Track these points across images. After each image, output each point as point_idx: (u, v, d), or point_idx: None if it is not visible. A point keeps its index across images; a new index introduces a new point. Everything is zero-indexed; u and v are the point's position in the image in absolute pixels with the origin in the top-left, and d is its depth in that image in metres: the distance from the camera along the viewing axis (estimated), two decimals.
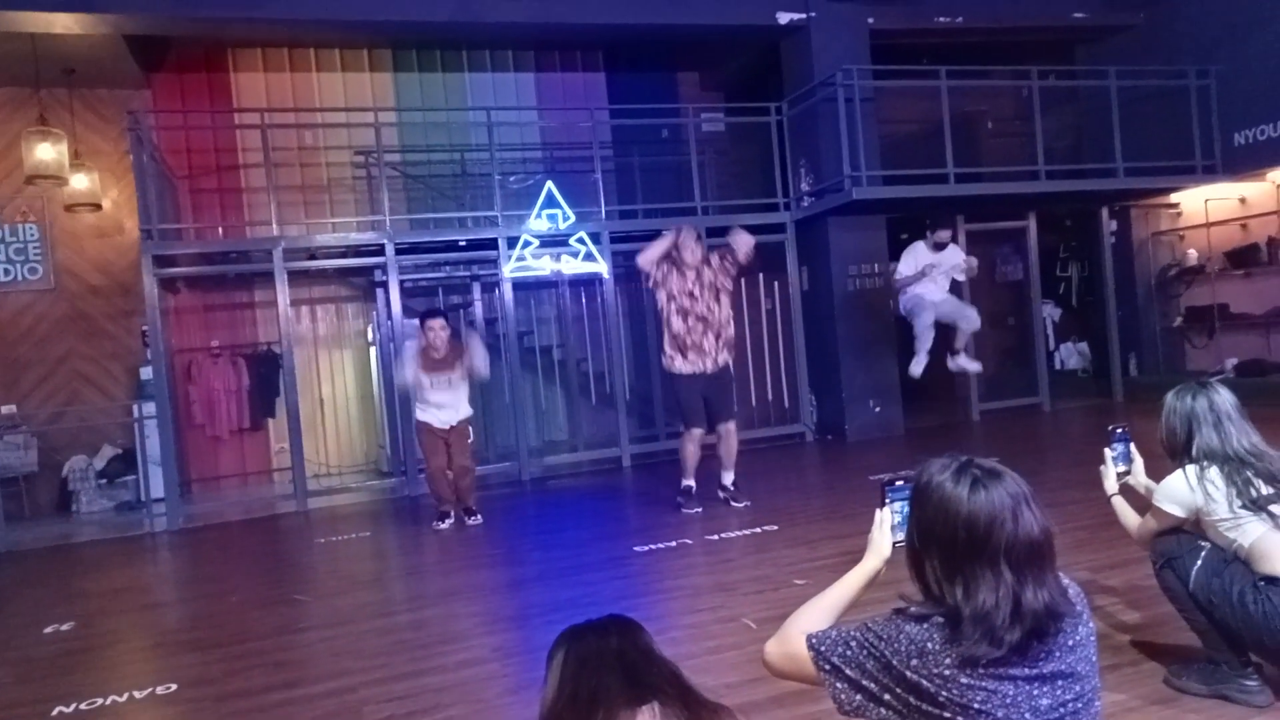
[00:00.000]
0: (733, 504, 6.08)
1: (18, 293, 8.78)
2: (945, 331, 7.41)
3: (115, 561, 6.42)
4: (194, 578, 5.94)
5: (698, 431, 5.96)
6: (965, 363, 7.44)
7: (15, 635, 4.48)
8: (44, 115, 8.21)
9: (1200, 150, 9.19)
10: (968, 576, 1.47)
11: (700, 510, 5.91)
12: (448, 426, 6.22)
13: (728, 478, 6.18)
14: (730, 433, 6.07)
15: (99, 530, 7.61)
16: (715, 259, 5.92)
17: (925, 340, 7.30)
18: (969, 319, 7.32)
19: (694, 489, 6.03)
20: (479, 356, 6.19)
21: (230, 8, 7.70)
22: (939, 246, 7.30)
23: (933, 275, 7.22)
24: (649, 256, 5.90)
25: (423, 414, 6.27)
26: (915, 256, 7.27)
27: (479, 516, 6.43)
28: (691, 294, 5.84)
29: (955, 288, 7.56)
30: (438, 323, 6.11)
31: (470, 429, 6.38)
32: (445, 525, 6.27)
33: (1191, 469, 2.56)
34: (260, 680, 3.50)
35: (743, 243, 5.84)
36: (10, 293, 8.76)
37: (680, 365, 5.90)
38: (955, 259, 7.40)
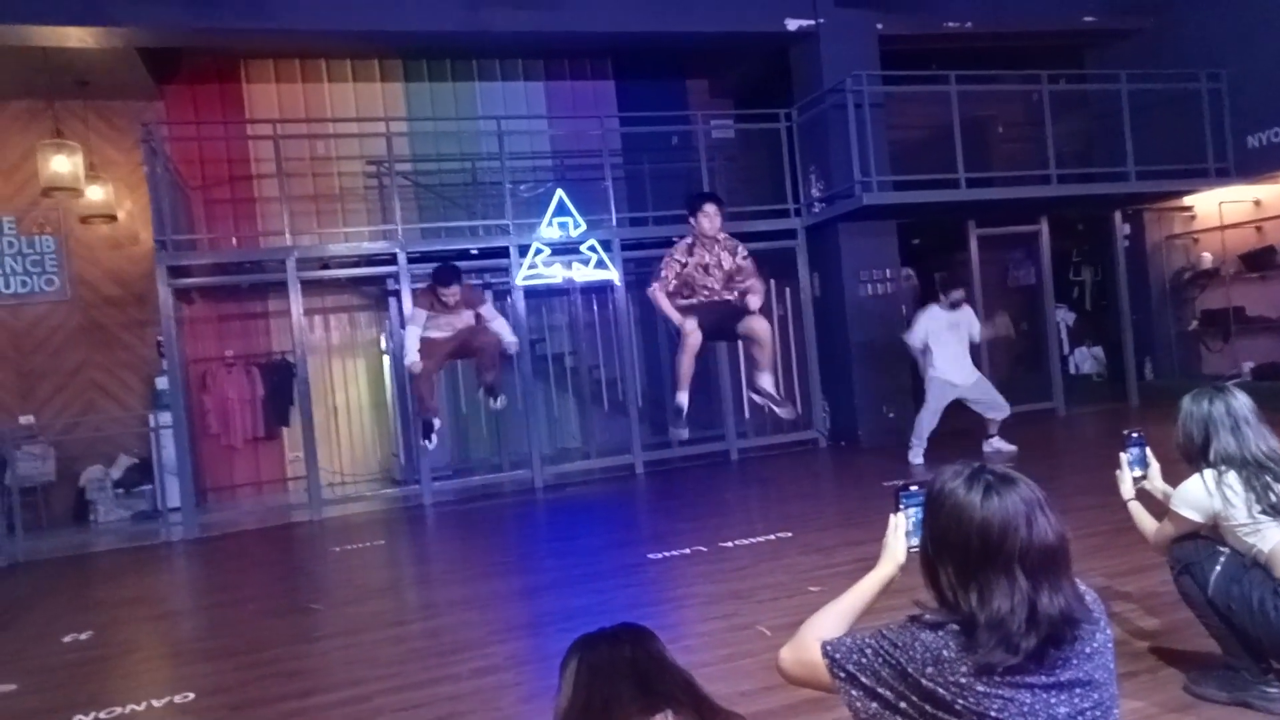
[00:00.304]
0: (776, 410, 5.73)
1: (34, 304, 8.85)
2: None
3: (132, 571, 6.45)
4: (210, 587, 5.96)
5: (692, 329, 5.35)
6: (1001, 445, 7.40)
7: (34, 644, 4.50)
8: (59, 128, 8.28)
9: (1213, 153, 9.15)
10: (982, 583, 1.46)
11: (686, 433, 5.72)
12: (452, 330, 6.26)
13: (765, 380, 5.64)
14: (757, 322, 5.44)
15: (116, 540, 7.66)
16: (735, 255, 5.53)
17: (929, 425, 7.33)
18: (999, 408, 7.35)
19: (685, 409, 5.59)
20: (505, 332, 6.38)
21: (242, 19, 7.75)
22: (954, 306, 7.30)
23: (946, 343, 7.21)
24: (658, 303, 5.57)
25: (427, 333, 6.32)
26: (929, 320, 7.28)
27: (499, 399, 6.56)
28: (705, 267, 5.49)
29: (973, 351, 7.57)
30: (452, 291, 6.14)
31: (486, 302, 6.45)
32: (432, 443, 6.35)
33: (1209, 474, 2.54)
34: (276, 689, 3.51)
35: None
36: (27, 304, 8.84)
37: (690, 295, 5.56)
38: (971, 316, 7.41)
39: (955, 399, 7.30)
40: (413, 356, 6.18)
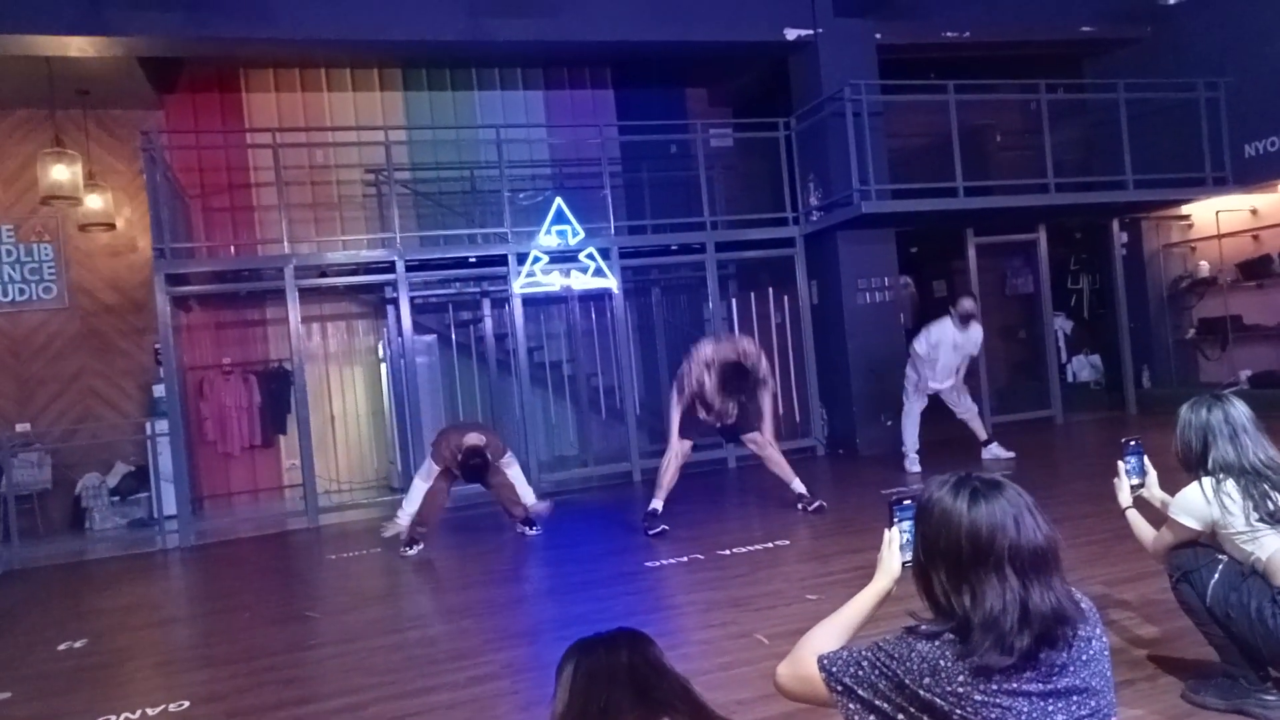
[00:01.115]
0: (808, 510, 5.99)
1: (32, 311, 8.85)
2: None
3: (128, 578, 6.44)
4: (206, 594, 5.94)
5: (687, 445, 5.88)
6: (999, 451, 7.43)
7: (29, 652, 4.49)
8: (59, 136, 8.28)
9: (1210, 162, 9.17)
10: (974, 584, 1.48)
11: (665, 530, 5.77)
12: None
13: (797, 486, 6.11)
14: (763, 444, 6.01)
15: (112, 547, 7.64)
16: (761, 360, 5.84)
17: (913, 430, 7.36)
18: (967, 408, 7.45)
19: (659, 511, 5.86)
20: (526, 493, 6.17)
21: (242, 28, 7.77)
22: (965, 320, 7.26)
23: (943, 358, 7.24)
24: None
25: None
26: (940, 333, 7.25)
27: (536, 527, 6.30)
28: (719, 396, 5.73)
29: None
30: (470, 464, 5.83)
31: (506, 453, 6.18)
32: (413, 551, 5.94)
33: (1208, 481, 2.54)
34: (272, 696, 3.50)
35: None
36: (25, 311, 8.83)
37: (699, 410, 5.86)
38: (978, 337, 7.39)
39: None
40: (414, 508, 5.89)
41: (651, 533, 5.76)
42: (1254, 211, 9.35)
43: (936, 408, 7.51)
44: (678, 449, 5.90)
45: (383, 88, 9.75)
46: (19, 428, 8.55)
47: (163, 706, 3.49)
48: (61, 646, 4.51)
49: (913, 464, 7.27)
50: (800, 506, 6.06)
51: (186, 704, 3.50)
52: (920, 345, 7.29)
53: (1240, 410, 2.58)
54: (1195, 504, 2.56)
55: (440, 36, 8.32)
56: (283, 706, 3.38)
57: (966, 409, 7.54)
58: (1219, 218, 9.52)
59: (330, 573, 5.95)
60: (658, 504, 5.89)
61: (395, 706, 3.25)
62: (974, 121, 9.73)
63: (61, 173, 7.89)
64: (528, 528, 6.31)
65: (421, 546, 6.02)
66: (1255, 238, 9.35)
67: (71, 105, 8.63)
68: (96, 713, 3.46)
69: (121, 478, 8.65)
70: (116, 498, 8.56)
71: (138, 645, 4.65)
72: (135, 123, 8.81)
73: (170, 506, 7.69)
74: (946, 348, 7.24)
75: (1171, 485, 2.76)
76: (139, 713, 3.45)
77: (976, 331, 7.37)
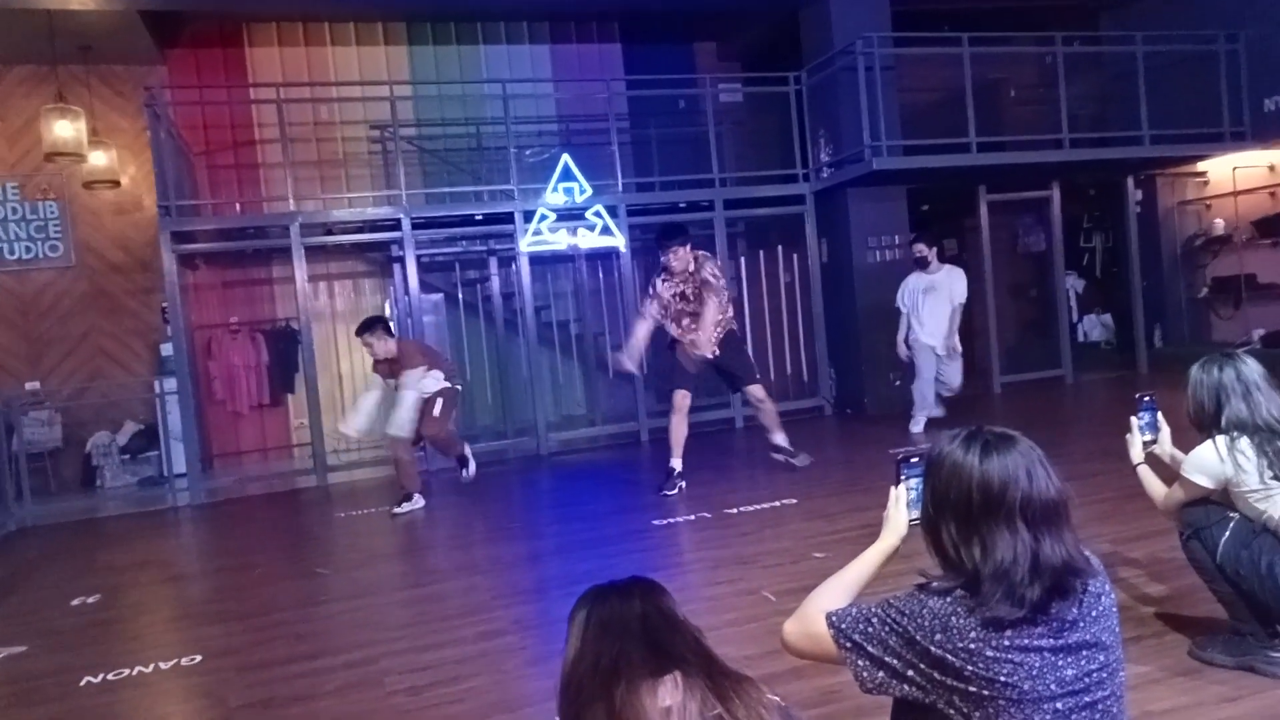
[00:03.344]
0: (793, 463, 6.07)
1: (39, 270, 8.84)
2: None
3: (139, 536, 6.50)
4: (216, 551, 6.00)
5: (683, 397, 5.86)
6: (915, 428, 7.26)
7: (42, 607, 4.54)
8: (62, 92, 8.22)
9: (1229, 117, 9.01)
10: (984, 535, 1.47)
11: (681, 488, 5.79)
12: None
13: (778, 438, 6.14)
14: (759, 398, 6.04)
15: (122, 505, 7.71)
16: (705, 264, 5.84)
17: (929, 391, 7.25)
18: (951, 384, 7.33)
19: (678, 470, 5.87)
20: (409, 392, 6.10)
21: None
22: (921, 264, 7.28)
23: (922, 306, 7.20)
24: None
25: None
26: (904, 284, 7.37)
27: (469, 468, 6.50)
28: (683, 294, 5.82)
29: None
30: (361, 338, 6.18)
31: (433, 402, 6.17)
32: (403, 509, 6.05)
33: (1222, 440, 2.52)
34: (283, 651, 3.53)
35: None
36: (32, 270, 8.83)
37: (683, 346, 5.89)
38: (952, 283, 7.22)
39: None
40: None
41: (664, 492, 5.76)
42: (1272, 168, 9.21)
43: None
44: (676, 402, 5.90)
45: (387, 42, 9.61)
46: (29, 386, 8.58)
47: (175, 660, 3.53)
48: (75, 602, 4.56)
49: (917, 424, 7.23)
50: (782, 459, 6.14)
51: (199, 658, 3.54)
52: (898, 302, 7.40)
53: (1252, 367, 2.55)
54: (1209, 462, 2.54)
55: None
56: (294, 661, 3.42)
57: (951, 384, 7.34)
58: (1235, 174, 9.38)
59: (339, 530, 5.99)
60: (676, 462, 5.89)
61: (405, 660, 3.28)
62: (988, 76, 9.56)
63: (65, 129, 7.84)
64: (464, 469, 6.46)
65: (414, 502, 6.12)
66: (1272, 195, 9.21)
67: (74, 61, 8.53)
68: (110, 667, 3.51)
69: (131, 436, 8.70)
70: (126, 456, 8.62)
71: (150, 600, 4.70)
72: (138, 79, 8.71)
73: (180, 465, 7.75)
74: (915, 292, 7.27)
75: (1184, 445, 2.74)
76: (152, 666, 3.49)
77: (948, 276, 7.27)
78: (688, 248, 5.79)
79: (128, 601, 4.61)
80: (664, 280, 5.87)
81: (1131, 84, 9.01)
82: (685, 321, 5.82)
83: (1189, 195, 10.10)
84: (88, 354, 8.94)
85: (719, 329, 5.85)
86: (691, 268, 5.77)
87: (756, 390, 6.04)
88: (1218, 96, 8.95)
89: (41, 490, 7.94)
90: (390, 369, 6.15)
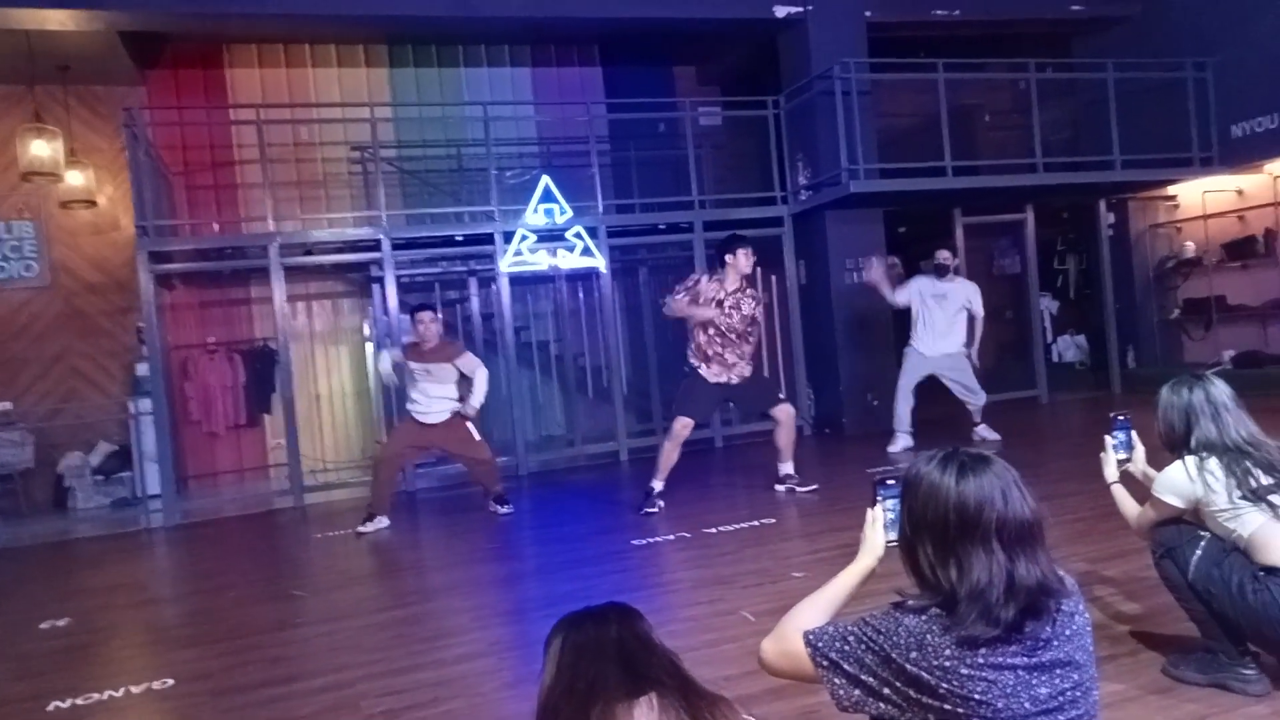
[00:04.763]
0: (798, 490, 6.00)
1: (13, 290, 8.75)
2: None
3: (111, 558, 6.40)
4: (190, 574, 5.92)
5: (684, 425, 5.82)
6: (986, 433, 7.37)
7: (11, 631, 4.46)
8: (39, 112, 8.17)
9: (1198, 142, 9.19)
10: (961, 556, 1.49)
11: (660, 508, 5.76)
12: (430, 422, 6.13)
13: (787, 467, 6.10)
14: (789, 417, 5.99)
15: (95, 527, 7.59)
16: (756, 304, 5.93)
17: (904, 408, 7.24)
18: (973, 394, 7.30)
19: (658, 490, 5.84)
20: (480, 379, 6.14)
21: (226, 4, 7.66)
22: (940, 272, 7.22)
23: (928, 312, 7.15)
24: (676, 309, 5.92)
25: (410, 405, 6.25)
26: (917, 282, 7.27)
27: (508, 506, 6.30)
28: (720, 303, 5.79)
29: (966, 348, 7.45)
30: (427, 315, 6.10)
31: (470, 424, 6.26)
32: (369, 528, 5.98)
33: (1191, 460, 2.55)
34: (258, 675, 3.49)
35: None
36: (6, 290, 8.74)
37: (705, 373, 5.87)
38: (968, 293, 7.28)
39: (930, 375, 7.30)
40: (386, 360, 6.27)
41: (644, 510, 5.74)
42: (1240, 192, 9.38)
43: (925, 388, 7.49)
44: (675, 429, 5.83)
45: (368, 64, 9.64)
46: (1, 406, 8.47)
47: (147, 685, 3.47)
48: (44, 625, 4.48)
49: (895, 445, 7.27)
50: (789, 488, 6.05)
51: (171, 682, 3.49)
52: (900, 295, 7.28)
53: (1221, 389, 2.59)
54: (1178, 482, 2.57)
55: (427, 12, 8.25)
56: (269, 684, 3.37)
57: (973, 394, 7.33)
58: (1205, 198, 9.55)
59: (316, 552, 5.94)
60: (657, 484, 5.86)
61: (382, 684, 3.25)
62: (963, 101, 9.71)
63: (42, 149, 7.80)
64: (500, 506, 6.30)
65: (378, 522, 6.06)
66: (1241, 218, 9.38)
67: (52, 81, 8.50)
68: (79, 692, 3.45)
69: (104, 457, 8.59)
70: (100, 477, 8.51)
71: (122, 624, 4.63)
72: (117, 99, 8.68)
73: (154, 486, 7.66)
74: (924, 296, 7.20)
75: (1156, 465, 2.78)
76: (122, 691, 3.43)
77: (965, 286, 7.31)
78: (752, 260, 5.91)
79: (99, 625, 4.53)
80: (710, 278, 5.88)
81: (1103, 110, 9.18)
82: (711, 333, 5.80)
83: (1160, 219, 10.26)
84: (62, 374, 8.84)
85: (749, 358, 5.92)
86: (749, 272, 5.90)
87: (788, 409, 6.02)
88: (1187, 122, 9.13)
89: (12, 512, 7.83)
90: (435, 355, 6.11)
